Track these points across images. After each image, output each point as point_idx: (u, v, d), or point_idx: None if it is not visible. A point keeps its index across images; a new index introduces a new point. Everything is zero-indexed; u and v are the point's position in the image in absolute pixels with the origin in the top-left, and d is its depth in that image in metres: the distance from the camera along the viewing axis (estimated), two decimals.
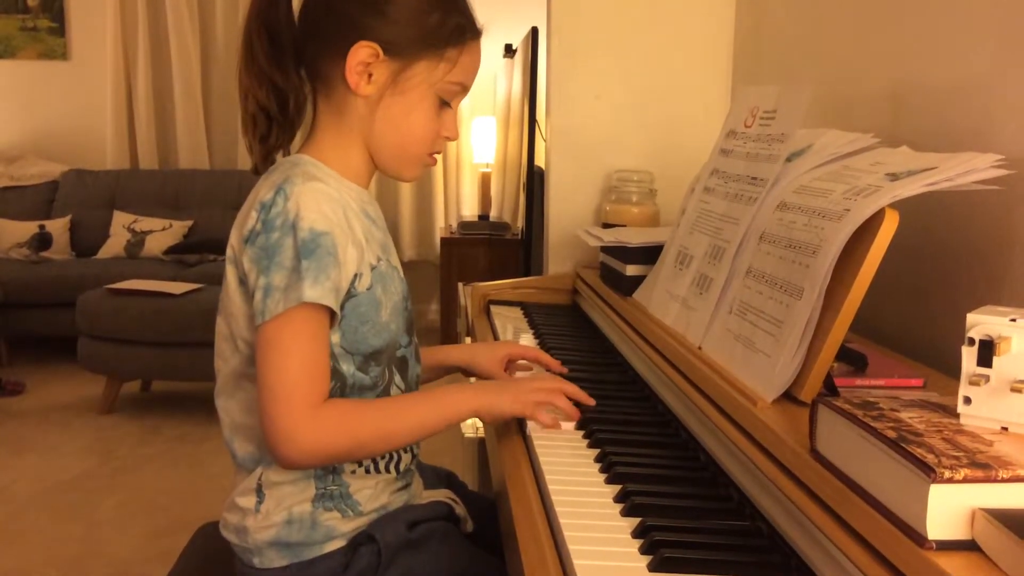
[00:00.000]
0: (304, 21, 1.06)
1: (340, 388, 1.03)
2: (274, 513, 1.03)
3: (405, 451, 1.11)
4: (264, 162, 1.07)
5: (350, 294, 1.00)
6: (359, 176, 1.09)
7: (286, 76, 1.05)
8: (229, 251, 1.02)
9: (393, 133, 1.07)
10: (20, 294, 4.16)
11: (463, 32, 1.07)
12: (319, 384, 0.96)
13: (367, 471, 1.06)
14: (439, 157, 1.13)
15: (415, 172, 1.14)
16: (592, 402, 1.12)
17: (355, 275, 1.01)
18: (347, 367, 1.03)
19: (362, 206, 1.07)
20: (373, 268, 1.04)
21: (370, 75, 1.03)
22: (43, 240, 4.57)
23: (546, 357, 1.30)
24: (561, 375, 1.27)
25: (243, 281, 1.00)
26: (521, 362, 1.33)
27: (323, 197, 0.98)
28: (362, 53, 1.02)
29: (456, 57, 1.07)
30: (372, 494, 1.07)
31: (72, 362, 3.76)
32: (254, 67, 1.03)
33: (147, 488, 2.94)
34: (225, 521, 1.08)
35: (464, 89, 1.10)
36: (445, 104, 1.09)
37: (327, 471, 1.04)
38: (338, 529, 1.04)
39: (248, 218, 0.98)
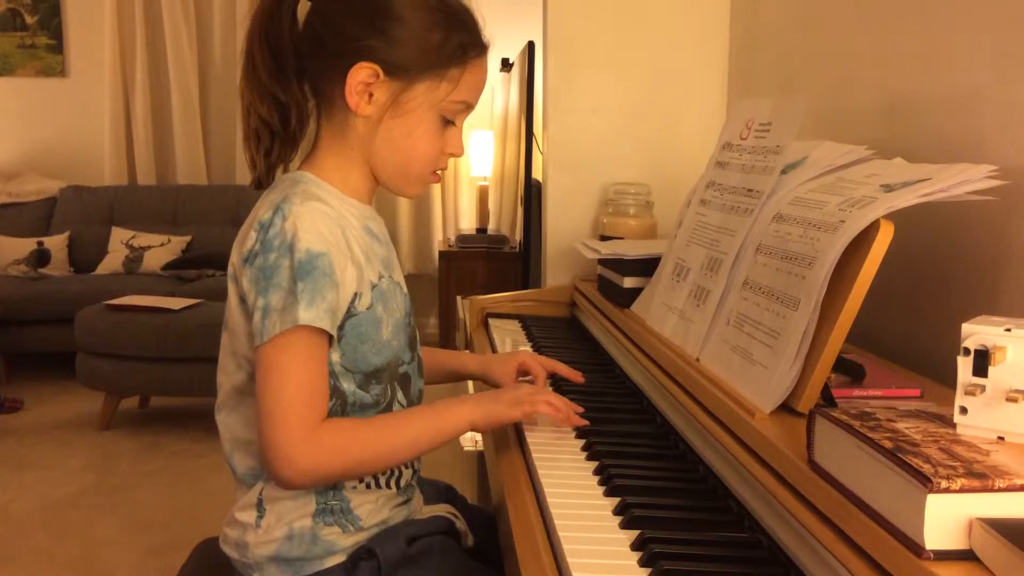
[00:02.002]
0: (306, 37, 1.05)
1: (341, 406, 1.03)
2: (274, 528, 1.03)
3: (406, 467, 1.11)
4: (267, 177, 1.06)
5: (350, 313, 1.00)
6: (361, 193, 1.09)
7: (288, 90, 1.04)
8: (230, 268, 1.02)
9: (394, 153, 1.06)
10: (18, 310, 4.16)
11: (466, 51, 1.06)
12: (316, 406, 0.96)
13: (368, 486, 1.06)
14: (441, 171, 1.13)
15: (418, 190, 1.13)
16: (585, 423, 1.12)
17: (355, 294, 1.01)
18: (348, 385, 1.03)
19: (364, 223, 1.07)
20: (374, 286, 1.04)
21: (371, 95, 1.03)
22: (41, 256, 4.56)
23: (563, 367, 1.30)
24: (560, 388, 1.27)
25: (243, 300, 1.00)
26: (528, 378, 1.33)
27: (320, 217, 0.98)
28: (362, 74, 1.01)
29: (459, 76, 1.06)
30: (373, 509, 1.06)
31: (70, 378, 3.76)
32: (256, 81, 1.03)
33: (146, 505, 2.93)
34: (225, 536, 1.08)
35: (468, 107, 1.09)
36: (449, 122, 1.08)
37: (328, 486, 1.04)
38: (338, 544, 1.04)
39: (248, 237, 0.99)
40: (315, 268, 0.95)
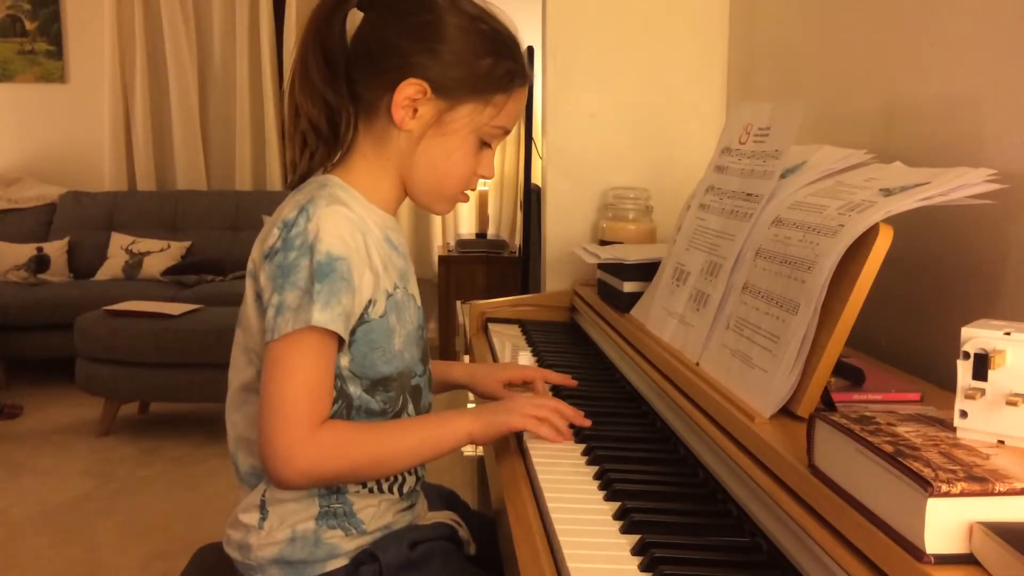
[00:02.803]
0: (356, 46, 1.06)
1: (346, 409, 1.03)
2: (277, 530, 1.03)
3: (410, 473, 1.10)
4: (303, 179, 1.07)
5: (363, 320, 1.01)
6: (387, 203, 1.10)
7: (338, 95, 1.05)
8: (250, 265, 1.03)
9: (431, 172, 1.08)
10: (18, 316, 4.15)
11: (512, 78, 1.07)
12: (319, 407, 0.96)
13: (371, 491, 1.06)
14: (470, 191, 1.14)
15: (447, 207, 1.15)
16: (588, 423, 1.12)
17: (369, 301, 1.01)
18: (354, 389, 1.03)
19: (385, 232, 1.07)
20: (389, 296, 1.04)
21: (415, 111, 1.04)
22: (41, 262, 4.56)
23: (552, 374, 1.31)
24: (559, 393, 1.27)
25: (260, 296, 1.00)
26: (520, 386, 1.33)
27: (344, 221, 0.98)
28: (410, 89, 1.02)
29: (503, 103, 1.07)
30: (376, 513, 1.06)
31: (70, 384, 3.76)
32: (308, 85, 1.04)
33: (146, 510, 2.93)
34: (228, 538, 1.08)
35: (506, 132, 1.11)
36: (485, 145, 1.09)
37: (331, 490, 1.04)
38: (341, 547, 1.04)
39: (270, 235, 1.00)
40: (333, 271, 0.95)
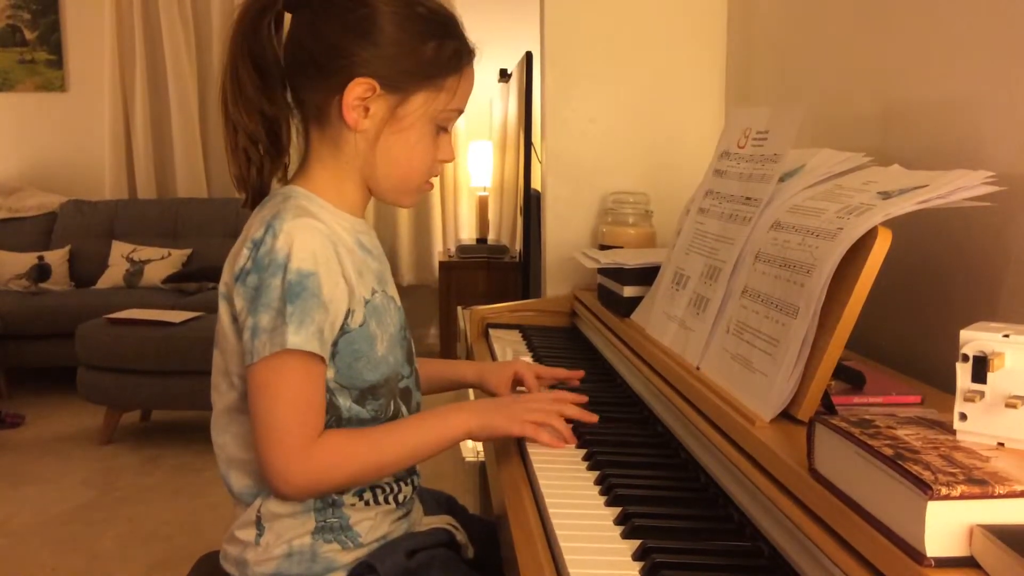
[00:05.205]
0: (292, 50, 1.04)
1: (336, 422, 1.02)
2: (274, 546, 1.02)
3: (406, 483, 1.10)
4: (258, 195, 1.05)
5: (343, 331, 0.99)
6: (354, 206, 1.08)
7: (275, 104, 1.03)
8: (222, 287, 1.01)
9: (394, 168, 1.06)
10: (19, 325, 4.16)
11: (460, 58, 1.05)
12: (309, 424, 0.96)
13: (367, 503, 1.06)
14: (436, 181, 1.12)
15: (414, 200, 1.13)
16: (595, 418, 1.12)
17: (347, 311, 1.00)
18: (344, 401, 1.02)
19: (356, 237, 1.06)
20: (367, 302, 1.03)
21: (367, 109, 1.01)
22: (42, 271, 4.57)
23: (562, 372, 1.31)
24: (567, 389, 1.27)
25: (236, 318, 0.99)
26: (521, 388, 1.33)
27: (311, 233, 0.96)
28: (358, 89, 1.00)
29: (456, 85, 1.05)
30: (372, 525, 1.06)
31: (71, 393, 3.76)
32: (242, 98, 1.01)
33: (148, 519, 2.92)
34: (225, 553, 1.07)
35: (461, 113, 1.09)
36: (441, 130, 1.08)
37: (327, 504, 1.03)
38: (338, 561, 1.04)
39: (240, 255, 0.98)
40: (304, 289, 0.94)
